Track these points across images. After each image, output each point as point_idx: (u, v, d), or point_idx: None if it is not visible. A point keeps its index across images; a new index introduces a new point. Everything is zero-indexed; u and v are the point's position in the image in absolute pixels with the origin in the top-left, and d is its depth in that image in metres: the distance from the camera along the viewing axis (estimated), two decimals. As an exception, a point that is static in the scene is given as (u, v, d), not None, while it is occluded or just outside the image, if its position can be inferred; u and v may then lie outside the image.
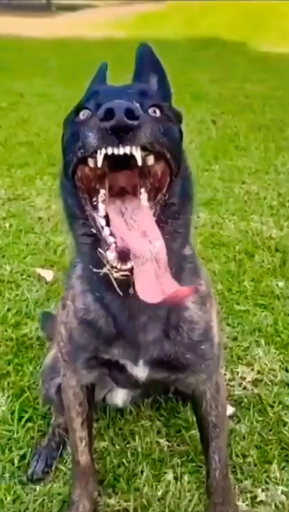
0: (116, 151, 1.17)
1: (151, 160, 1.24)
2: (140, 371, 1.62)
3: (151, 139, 1.20)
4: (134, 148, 1.17)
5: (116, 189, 1.32)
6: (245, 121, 7.13)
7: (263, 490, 1.96)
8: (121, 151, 1.17)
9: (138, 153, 1.18)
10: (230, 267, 3.44)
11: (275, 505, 1.91)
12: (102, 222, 1.29)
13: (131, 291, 1.30)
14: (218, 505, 1.84)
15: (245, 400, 2.37)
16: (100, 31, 16.88)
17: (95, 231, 1.33)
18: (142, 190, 1.31)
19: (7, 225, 3.90)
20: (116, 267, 1.23)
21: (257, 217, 4.20)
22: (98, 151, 1.18)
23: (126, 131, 1.16)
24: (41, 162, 5.25)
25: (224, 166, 5.34)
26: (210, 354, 1.64)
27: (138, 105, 1.21)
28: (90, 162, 1.23)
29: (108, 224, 1.29)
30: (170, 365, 1.60)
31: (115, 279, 1.26)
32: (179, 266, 1.52)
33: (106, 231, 1.28)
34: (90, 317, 1.55)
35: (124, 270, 1.23)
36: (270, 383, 2.47)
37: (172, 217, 1.40)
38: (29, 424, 2.20)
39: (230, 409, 2.30)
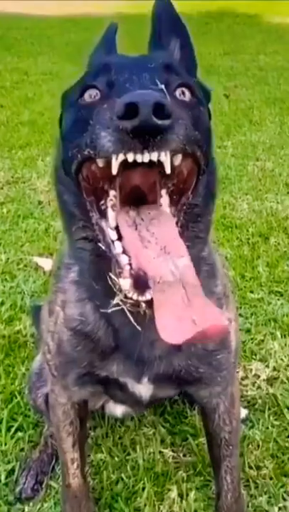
0: (139, 159, 0.92)
1: (178, 160, 0.99)
2: (143, 389, 1.40)
3: (184, 141, 0.95)
4: (162, 154, 0.93)
5: (127, 190, 1.07)
6: (260, 95, 6.82)
7: (280, 508, 1.74)
8: (146, 157, 0.92)
9: (168, 159, 0.94)
10: (243, 251, 3.19)
11: (295, 528, 1.68)
12: (113, 235, 1.05)
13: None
14: None
15: (260, 401, 2.14)
16: (109, 8, 16.45)
17: (102, 246, 1.08)
18: (163, 192, 1.07)
19: (5, 210, 3.65)
20: (131, 298, 0.98)
21: (272, 195, 3.93)
22: (114, 157, 0.93)
23: (153, 134, 0.90)
24: (44, 142, 4.98)
25: (237, 142, 5.05)
26: (227, 364, 1.41)
27: (168, 97, 0.96)
28: (100, 162, 0.99)
29: (120, 237, 1.04)
30: (179, 380, 1.37)
31: (130, 311, 1.02)
32: (196, 271, 1.28)
33: (118, 247, 1.03)
34: (87, 329, 1.32)
35: (142, 302, 0.98)
36: (287, 381, 2.22)
37: (194, 220, 1.17)
38: (19, 434, 1.98)
39: (242, 412, 2.06)
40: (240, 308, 2.66)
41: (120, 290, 0.99)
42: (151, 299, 0.96)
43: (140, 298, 0.97)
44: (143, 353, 1.29)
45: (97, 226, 1.09)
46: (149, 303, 0.97)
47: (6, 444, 1.94)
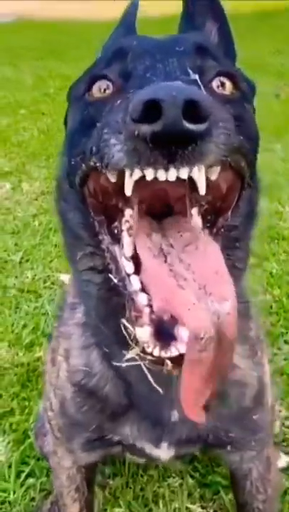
0: (162, 176, 0.68)
1: (215, 173, 0.74)
2: (163, 453, 1.16)
3: (226, 152, 0.70)
4: (195, 169, 0.68)
5: (147, 206, 0.84)
6: (312, 94, 6.44)
7: None
8: (172, 175, 0.68)
9: (202, 176, 0.70)
10: (291, 266, 2.89)
11: None
12: (129, 267, 0.81)
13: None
14: None
15: (305, 447, 1.85)
16: (159, 9, 16.25)
17: (115, 280, 0.84)
18: (194, 211, 0.83)
19: (36, 223, 3.47)
20: (151, 354, 0.74)
21: None
22: (127, 172, 0.70)
23: (183, 143, 0.65)
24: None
25: (287, 145, 4.72)
26: (263, 424, 1.17)
27: (203, 91, 0.73)
28: (111, 176, 0.74)
29: (138, 270, 0.80)
30: (205, 444, 1.15)
31: (149, 369, 0.80)
32: None
33: (135, 283, 0.80)
34: (93, 383, 1.09)
35: (166, 359, 0.74)
36: None
37: (232, 246, 0.92)
38: (30, 481, 1.77)
39: (283, 460, 1.79)
40: (286, 333, 2.37)
41: (136, 342, 0.75)
42: (179, 355, 0.73)
43: (163, 354, 0.74)
44: (162, 414, 1.05)
45: (108, 253, 0.87)
46: (176, 360, 0.73)
47: (14, 493, 1.73)
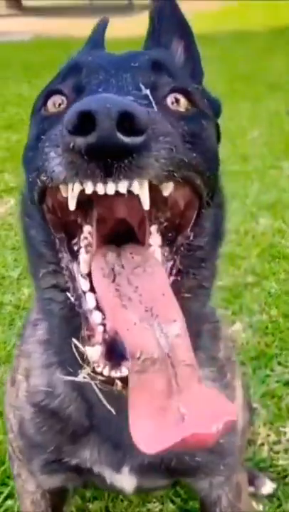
0: (100, 190, 0.68)
1: (169, 189, 0.74)
2: (125, 481, 1.13)
3: (170, 166, 0.69)
4: (135, 184, 0.67)
5: (111, 222, 0.84)
6: None
7: None
8: (110, 189, 0.68)
9: (144, 191, 0.69)
10: (291, 285, 2.83)
11: None
12: (84, 284, 0.81)
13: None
14: None
15: (292, 473, 1.79)
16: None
17: (72, 298, 0.84)
18: (153, 229, 0.82)
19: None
20: (101, 373, 0.73)
21: None
22: (69, 186, 0.70)
23: (119, 156, 0.65)
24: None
25: (295, 162, 4.67)
26: (232, 449, 1.13)
27: (153, 105, 0.74)
28: (64, 191, 0.74)
29: (93, 288, 0.79)
30: (170, 471, 1.10)
31: (100, 389, 0.79)
32: (197, 331, 1.01)
33: (90, 301, 0.79)
34: (55, 404, 1.07)
35: (116, 379, 0.73)
36: None
37: (197, 265, 0.91)
38: (8, 503, 1.74)
39: (269, 487, 1.73)
40: (281, 355, 2.32)
41: (88, 362, 0.74)
42: (127, 376, 0.71)
43: (113, 374, 0.73)
44: (124, 436, 1.01)
45: (67, 271, 0.86)
46: (126, 380, 0.72)
47: (-9, 516, 1.70)
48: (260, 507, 1.68)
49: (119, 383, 0.72)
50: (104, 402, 0.84)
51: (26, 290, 2.89)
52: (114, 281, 0.79)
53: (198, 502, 1.38)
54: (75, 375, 0.96)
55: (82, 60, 0.88)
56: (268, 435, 1.92)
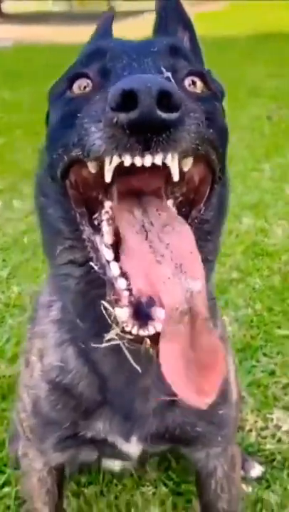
0: (138, 162, 0.74)
1: (188, 164, 0.80)
2: (132, 448, 1.19)
3: (197, 140, 0.76)
4: (169, 156, 0.74)
5: (126, 196, 0.89)
6: (304, 116, 6.52)
7: None
8: (147, 161, 0.74)
9: (175, 163, 0.75)
10: (274, 281, 2.93)
11: None
12: (108, 254, 0.86)
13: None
14: None
15: (279, 456, 1.87)
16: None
17: (96, 267, 0.89)
18: (170, 203, 0.89)
19: (26, 239, 3.52)
20: (130, 332, 0.78)
21: (310, 221, 3.65)
22: (107, 159, 0.75)
23: (158, 131, 0.71)
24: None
25: (275, 165, 4.77)
26: (228, 420, 1.21)
27: (184, 81, 0.82)
28: (91, 166, 0.80)
29: (117, 257, 0.85)
30: (173, 439, 1.17)
31: (128, 348, 0.83)
32: None
33: (114, 269, 0.84)
34: (68, 379, 1.12)
35: (144, 337, 0.78)
36: (313, 434, 1.95)
37: (204, 238, 0.97)
38: (5, 490, 1.78)
39: (258, 470, 1.80)
40: (266, 346, 2.40)
41: (116, 322, 0.80)
42: (156, 333, 0.77)
43: (142, 332, 0.78)
44: (134, 407, 1.10)
45: (89, 243, 0.91)
46: (154, 338, 0.77)
47: (-11, 502, 1.75)
48: (250, 489, 1.74)
49: (148, 341, 0.78)
50: (132, 361, 0.89)
51: (16, 288, 2.94)
52: (146, 238, 0.85)
53: (195, 476, 1.43)
54: (87, 350, 1.04)
55: (105, 45, 0.94)
56: (256, 422, 1.99)
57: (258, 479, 1.79)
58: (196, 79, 0.91)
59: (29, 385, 1.21)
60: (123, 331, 0.79)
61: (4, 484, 1.80)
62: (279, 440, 1.93)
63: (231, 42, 12.73)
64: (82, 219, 0.92)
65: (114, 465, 1.67)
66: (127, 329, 0.78)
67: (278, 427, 1.98)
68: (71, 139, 0.82)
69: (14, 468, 1.83)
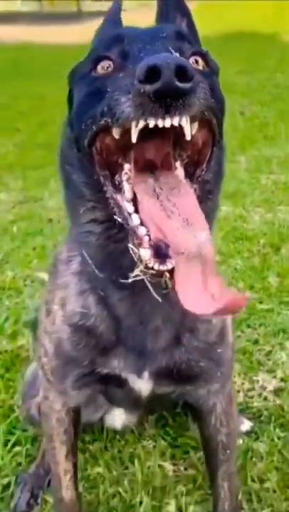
0: (160, 123, 0.90)
1: (194, 128, 0.97)
2: (143, 385, 1.35)
3: (204, 106, 0.94)
4: (184, 118, 0.91)
5: (141, 163, 1.05)
6: (275, 111, 6.76)
7: (284, 523, 1.65)
8: (167, 123, 0.90)
9: (188, 124, 0.93)
10: (254, 262, 3.12)
11: None
12: (130, 207, 1.02)
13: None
14: None
15: (266, 412, 2.06)
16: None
17: (119, 219, 1.06)
18: (178, 164, 1.06)
19: (15, 228, 3.66)
20: (152, 268, 0.94)
21: (284, 207, 3.86)
22: (134, 123, 0.91)
23: (176, 97, 0.88)
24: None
25: (251, 157, 5.00)
26: (226, 358, 1.38)
27: (188, 61, 0.97)
28: (115, 132, 0.97)
29: (137, 209, 1.02)
30: (179, 375, 1.33)
31: (150, 281, 0.99)
32: None
33: (135, 220, 1.00)
34: (89, 322, 1.28)
35: (163, 271, 0.94)
36: (295, 392, 2.14)
37: (205, 197, 1.14)
38: (16, 449, 1.94)
39: (247, 425, 1.99)
40: (249, 318, 2.60)
41: (141, 260, 0.96)
42: (173, 268, 0.93)
43: (161, 267, 0.94)
44: (146, 345, 1.26)
45: (112, 200, 1.07)
46: (171, 272, 0.93)
47: (2, 459, 1.89)
48: (240, 441, 1.92)
49: (167, 274, 0.94)
50: (153, 292, 1.05)
51: (10, 273, 3.08)
52: (158, 199, 1.02)
53: (195, 414, 1.60)
54: (106, 296, 1.21)
55: (122, 32, 1.10)
56: (243, 383, 2.18)
57: (248, 433, 1.97)
58: (198, 58, 1.08)
59: (51, 331, 1.35)
60: (146, 267, 0.95)
61: (15, 444, 1.95)
62: (265, 398, 2.12)
63: (203, 41, 12.95)
64: (105, 180, 1.07)
65: (116, 425, 1.85)
66: (150, 265, 0.94)
67: (264, 388, 2.16)
68: (99, 110, 0.98)
69: (23, 430, 1.99)
